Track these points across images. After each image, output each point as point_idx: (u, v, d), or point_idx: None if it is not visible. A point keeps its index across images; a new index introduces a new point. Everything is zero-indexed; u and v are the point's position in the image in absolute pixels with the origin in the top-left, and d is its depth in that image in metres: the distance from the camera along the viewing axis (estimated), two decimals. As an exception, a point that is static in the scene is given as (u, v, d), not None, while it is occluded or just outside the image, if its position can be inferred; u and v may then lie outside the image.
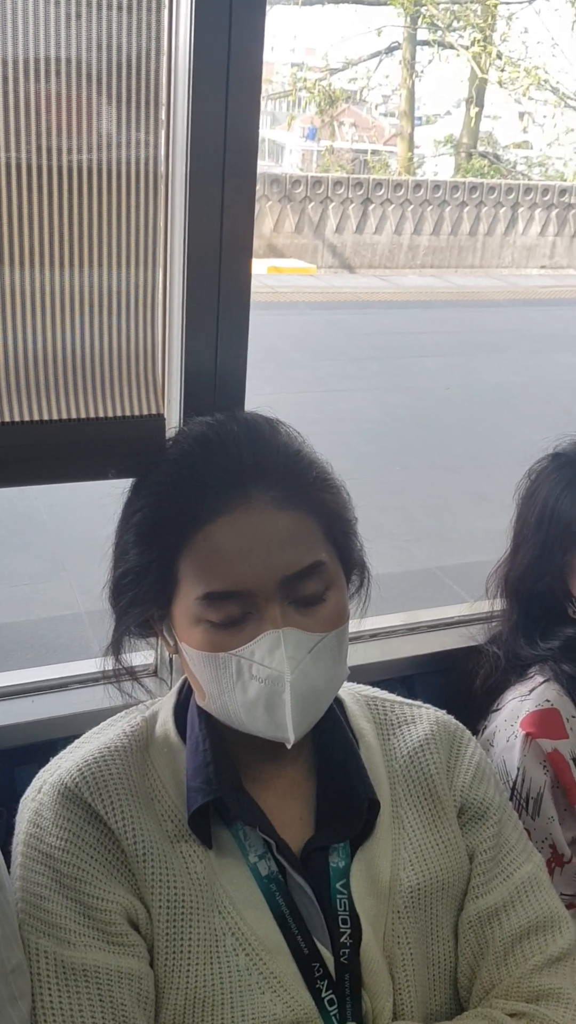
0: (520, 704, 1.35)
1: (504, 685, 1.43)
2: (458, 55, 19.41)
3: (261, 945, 0.95)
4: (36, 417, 1.14)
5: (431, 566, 4.56)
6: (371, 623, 1.65)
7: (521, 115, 23.06)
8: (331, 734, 1.07)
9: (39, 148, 1.06)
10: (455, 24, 19.12)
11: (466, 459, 6.17)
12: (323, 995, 0.95)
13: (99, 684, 1.16)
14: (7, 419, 1.13)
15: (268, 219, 13.55)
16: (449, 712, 1.19)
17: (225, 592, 0.94)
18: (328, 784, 1.05)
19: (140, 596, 1.01)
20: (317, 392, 7.44)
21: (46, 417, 1.15)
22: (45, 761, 1.06)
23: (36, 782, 1.02)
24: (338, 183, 13.89)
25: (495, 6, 18.21)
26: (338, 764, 1.05)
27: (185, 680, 1.09)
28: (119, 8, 1.05)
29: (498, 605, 1.50)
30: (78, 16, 1.03)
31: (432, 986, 1.02)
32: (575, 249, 15.57)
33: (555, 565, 1.37)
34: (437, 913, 1.03)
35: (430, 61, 20.17)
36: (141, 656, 1.35)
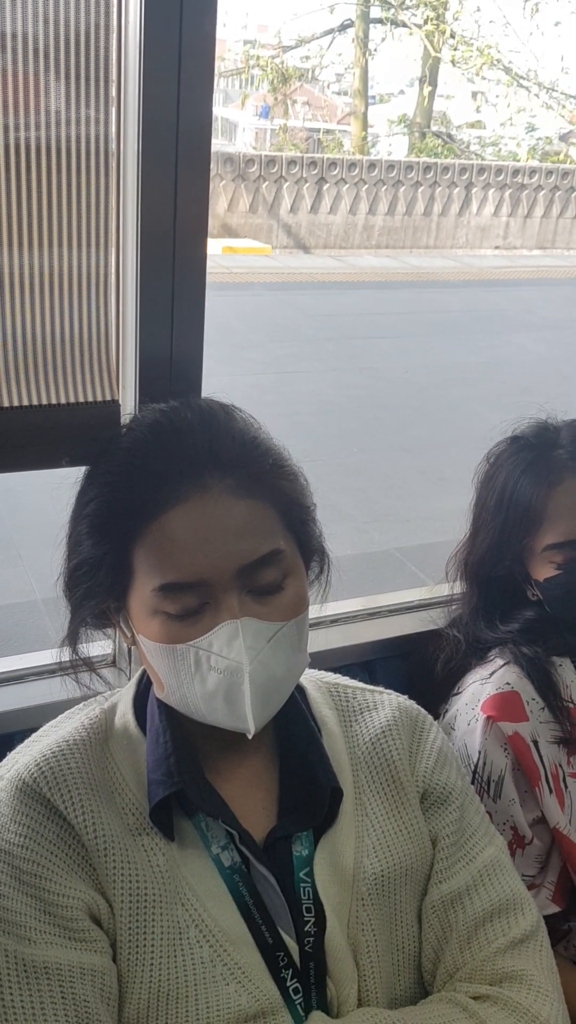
0: (481, 687, 1.36)
1: (465, 668, 1.43)
2: (411, 34, 19.37)
3: (225, 936, 0.94)
4: (-14, 404, 1.11)
5: (390, 548, 4.57)
6: (331, 608, 1.64)
7: (474, 95, 23.08)
8: (293, 723, 1.06)
9: (-16, 125, 1.03)
10: (408, 2, 19.05)
11: (424, 440, 6.19)
12: (288, 984, 0.95)
13: (56, 676, 1.14)
14: (-44, 407, 1.10)
15: (222, 199, 13.43)
16: (411, 696, 1.19)
17: (181, 583, 0.93)
18: (291, 773, 1.04)
19: (95, 588, 0.99)
20: (274, 373, 7.41)
21: (-4, 404, 1.12)
22: (1, 756, 1.04)
23: None
24: (292, 162, 13.80)
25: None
26: (300, 753, 1.04)
27: (144, 671, 1.07)
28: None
29: (458, 588, 1.51)
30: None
31: (396, 972, 1.02)
32: (528, 229, 15.67)
33: (514, 548, 1.38)
34: (401, 899, 1.03)
35: (383, 39, 20.10)
36: (98, 646, 1.33)
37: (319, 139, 22.57)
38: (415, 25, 19.14)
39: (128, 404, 1.20)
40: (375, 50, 20.20)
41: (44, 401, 1.14)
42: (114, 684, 1.16)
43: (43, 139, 1.06)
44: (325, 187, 13.97)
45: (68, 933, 0.91)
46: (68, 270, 1.11)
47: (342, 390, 7.16)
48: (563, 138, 22.45)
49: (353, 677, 1.21)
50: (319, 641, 1.57)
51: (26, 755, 1.00)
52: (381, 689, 1.18)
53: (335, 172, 13.95)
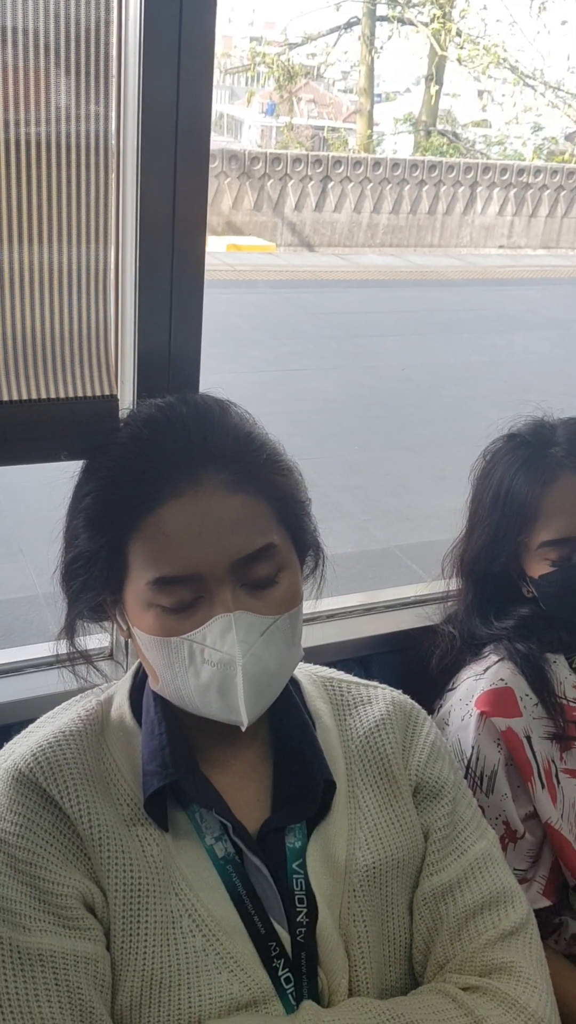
0: (475, 683, 1.37)
1: (459, 664, 1.44)
2: (417, 31, 19.34)
3: (217, 926, 0.95)
4: (-14, 398, 1.12)
5: (390, 545, 4.58)
6: (328, 604, 1.65)
7: (480, 93, 23.04)
8: (287, 716, 1.07)
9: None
10: (414, 0, 19.02)
11: (425, 438, 6.19)
12: (279, 974, 0.96)
13: (54, 668, 1.15)
14: (-44, 400, 1.11)
15: (227, 196, 13.43)
16: (406, 691, 1.19)
17: (176, 577, 0.94)
18: (284, 765, 1.05)
19: (91, 581, 1.00)
20: (277, 371, 7.41)
21: (-4, 398, 1.13)
22: (-1, 747, 1.05)
23: None
24: (297, 160, 13.79)
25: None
26: (294, 745, 1.05)
27: (141, 664, 1.08)
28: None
29: (454, 585, 1.52)
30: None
31: (387, 962, 1.03)
32: (532, 229, 15.65)
33: (509, 545, 1.38)
34: (392, 891, 1.04)
35: (389, 37, 20.16)
36: (96, 639, 1.34)
37: (324, 137, 22.54)
38: (421, 23, 19.12)
39: (126, 399, 1.21)
40: (381, 48, 20.19)
41: (43, 395, 1.15)
42: (111, 677, 1.17)
43: (43, 135, 1.06)
44: (330, 185, 13.96)
45: (62, 921, 0.92)
46: (68, 265, 1.12)
47: (344, 388, 7.16)
48: (568, 137, 22.39)
49: (349, 672, 1.22)
50: (315, 636, 1.58)
51: (23, 745, 1.01)
52: (375, 683, 1.19)
53: (340, 170, 13.94)
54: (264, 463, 1.00)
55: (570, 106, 21.05)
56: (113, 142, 1.11)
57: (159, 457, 0.97)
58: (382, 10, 19.55)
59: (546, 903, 1.30)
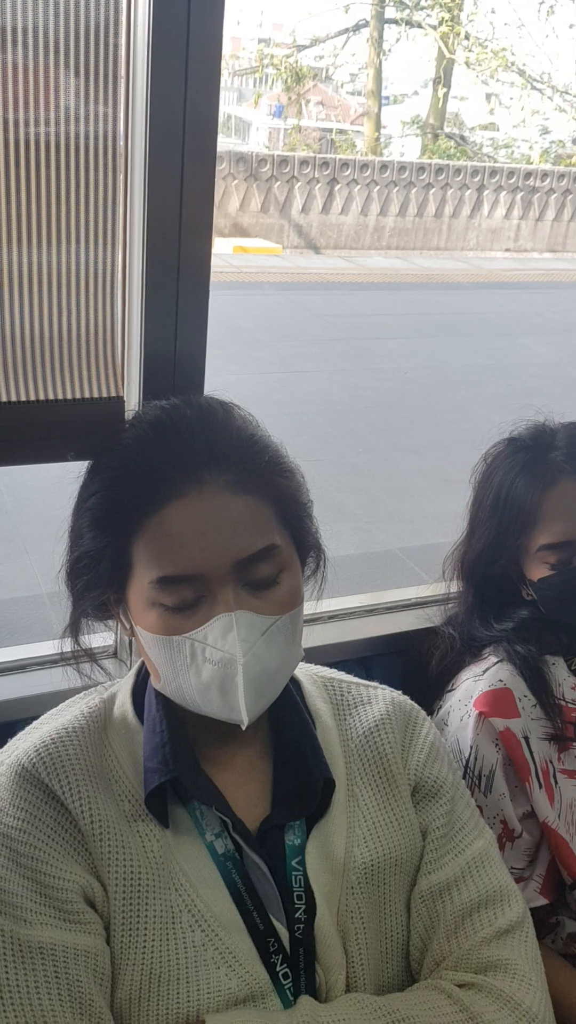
0: (474, 684, 1.38)
1: (459, 666, 1.46)
2: (425, 34, 19.35)
3: (217, 921, 0.96)
4: (-5, 398, 1.14)
5: (392, 547, 4.58)
6: (330, 605, 1.67)
7: (488, 96, 23.03)
8: (288, 715, 1.08)
9: (-4, 122, 1.04)
10: (423, 3, 19.03)
11: (430, 441, 6.19)
12: (277, 969, 0.97)
13: (58, 666, 1.16)
14: (-35, 401, 1.12)
15: (234, 198, 13.44)
16: (406, 692, 1.21)
17: (178, 576, 0.95)
18: (284, 764, 1.06)
19: (95, 580, 1.01)
20: (281, 373, 7.41)
21: (4, 399, 1.14)
22: (3, 743, 1.06)
23: None
24: (304, 162, 13.80)
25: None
26: (294, 744, 1.06)
27: (143, 662, 1.09)
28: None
29: (455, 587, 1.53)
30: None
31: (384, 959, 1.04)
32: (539, 233, 15.65)
33: (509, 548, 1.40)
34: (390, 888, 1.05)
35: (397, 40, 20.10)
36: (100, 638, 1.36)
37: (332, 139, 22.55)
38: (430, 26, 19.13)
39: (132, 400, 1.22)
40: (389, 51, 20.20)
41: (51, 396, 1.16)
42: (115, 675, 1.18)
43: (51, 135, 1.07)
44: (337, 188, 13.97)
45: (63, 915, 0.93)
46: (75, 267, 1.13)
47: (349, 390, 7.16)
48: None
49: (350, 673, 1.23)
50: (317, 636, 1.59)
51: (26, 741, 1.03)
52: (375, 684, 1.21)
53: (347, 173, 13.94)
54: (267, 465, 1.02)
55: (577, 109, 21.04)
56: (121, 143, 1.12)
57: (163, 458, 0.98)
58: (391, 13, 19.57)
59: (543, 902, 1.31)
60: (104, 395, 1.18)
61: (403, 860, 1.06)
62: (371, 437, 6.28)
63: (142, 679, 1.10)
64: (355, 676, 1.23)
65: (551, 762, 1.33)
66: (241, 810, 1.02)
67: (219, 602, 0.96)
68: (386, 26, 19.77)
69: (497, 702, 1.33)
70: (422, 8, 19.11)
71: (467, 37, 19.19)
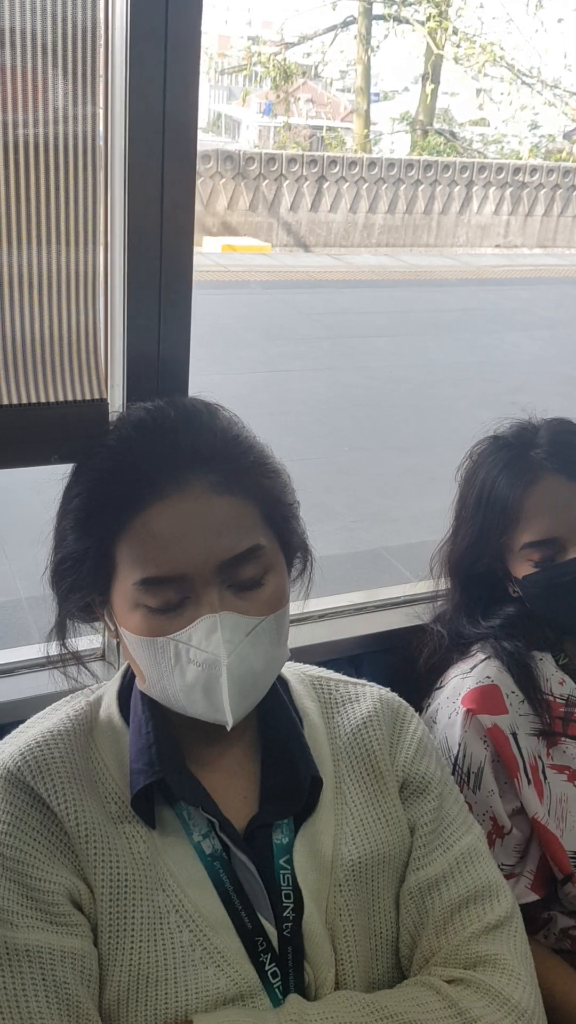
0: (462, 681, 1.38)
1: (447, 663, 1.46)
2: (414, 30, 19.32)
3: (205, 921, 0.97)
4: (-23, 402, 1.13)
5: (377, 547, 4.56)
6: (320, 604, 1.67)
7: (478, 92, 23.01)
8: (275, 714, 1.08)
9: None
10: (410, -1, 19.03)
11: (416, 439, 6.17)
12: (266, 968, 0.97)
13: (45, 669, 1.16)
14: (-53, 405, 1.12)
15: (222, 197, 13.42)
16: (395, 690, 1.21)
17: (162, 577, 0.95)
18: (272, 763, 1.07)
19: (79, 582, 1.01)
20: (267, 372, 7.38)
21: (-13, 402, 1.14)
22: (-10, 747, 1.06)
23: None
24: (292, 160, 13.78)
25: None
26: (282, 743, 1.07)
27: (129, 664, 1.09)
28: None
29: (443, 585, 1.53)
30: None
31: (374, 956, 1.05)
32: (529, 228, 15.66)
33: (493, 545, 1.40)
34: (378, 885, 1.06)
35: (386, 36, 20.05)
36: (87, 640, 1.36)
37: (321, 137, 22.52)
38: (417, 22, 19.11)
39: (116, 403, 1.22)
40: (377, 47, 20.15)
41: (34, 399, 1.16)
42: (103, 678, 1.18)
43: (30, 136, 1.06)
44: (325, 185, 13.96)
45: (49, 917, 0.93)
46: (57, 268, 1.13)
47: (335, 389, 7.13)
48: (567, 136, 22.37)
49: (339, 671, 1.24)
50: (306, 635, 1.59)
51: (12, 745, 1.03)
52: (363, 682, 1.21)
53: (335, 170, 13.93)
54: (251, 465, 1.02)
55: (567, 104, 21.05)
56: (101, 143, 1.12)
57: (147, 459, 0.98)
58: (379, 9, 19.55)
59: (534, 897, 1.31)
60: (87, 397, 1.18)
61: (391, 857, 1.07)
62: (358, 436, 6.25)
63: (128, 681, 1.10)
64: (344, 674, 1.23)
65: (540, 758, 1.33)
66: (228, 810, 1.02)
67: (203, 603, 0.96)
68: (374, 22, 19.76)
69: (485, 699, 1.34)
70: (410, 4, 19.09)
71: (455, 32, 19.17)
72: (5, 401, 1.14)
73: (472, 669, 1.39)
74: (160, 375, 1.23)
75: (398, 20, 19.44)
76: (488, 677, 1.36)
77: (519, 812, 1.32)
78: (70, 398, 1.18)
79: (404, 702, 1.20)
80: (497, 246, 15.42)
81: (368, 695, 1.17)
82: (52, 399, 1.17)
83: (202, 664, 0.95)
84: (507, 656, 1.37)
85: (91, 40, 1.06)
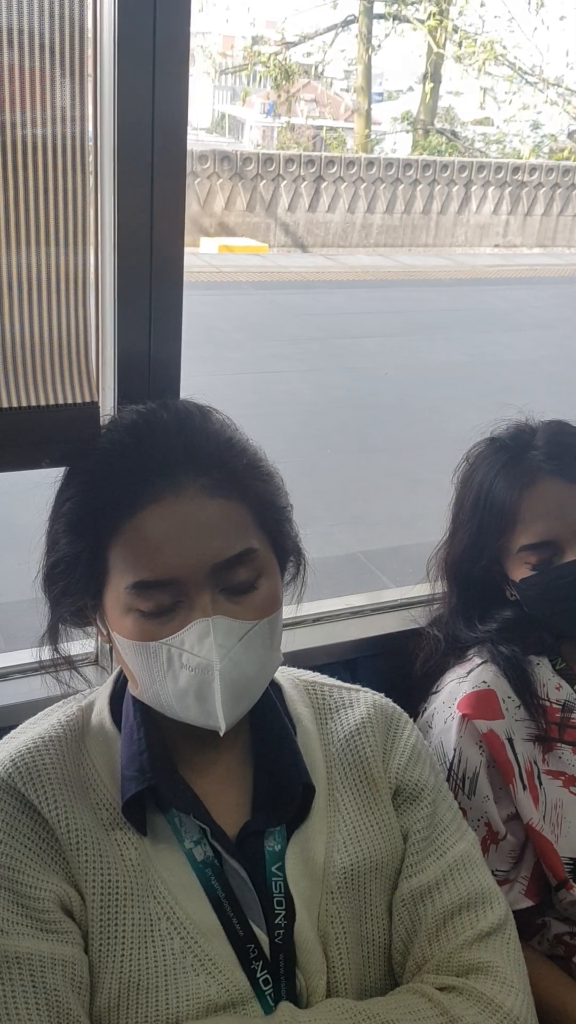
0: (458, 686, 1.37)
1: (444, 667, 1.45)
2: (415, 29, 19.31)
3: (196, 928, 0.96)
4: (-33, 406, 1.12)
5: (354, 551, 4.50)
6: (315, 607, 1.66)
7: (484, 91, 23.00)
8: (268, 720, 1.08)
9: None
10: (410, -2, 19.01)
11: (401, 441, 6.12)
12: (258, 975, 0.96)
13: (38, 674, 1.16)
14: None
15: (219, 197, 13.41)
16: (391, 694, 1.20)
17: (154, 581, 0.94)
18: (264, 769, 1.06)
19: (71, 586, 1.01)
20: (254, 373, 7.32)
21: (-23, 406, 1.13)
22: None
23: None
24: (290, 160, 13.77)
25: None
26: (274, 749, 1.06)
27: (122, 669, 1.09)
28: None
29: (440, 588, 1.52)
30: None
31: (366, 963, 1.04)
32: (528, 228, 15.65)
33: (491, 548, 1.39)
34: (371, 892, 1.05)
35: (387, 35, 20.04)
36: (80, 645, 1.35)
37: (323, 137, 22.52)
38: (418, 20, 19.09)
39: (107, 406, 1.21)
40: (379, 46, 20.14)
41: (24, 403, 1.15)
42: (96, 682, 1.18)
43: (19, 137, 1.05)
44: (323, 185, 13.96)
45: (40, 924, 0.93)
46: (47, 270, 1.11)
47: (322, 390, 7.08)
48: (571, 135, 22.29)
49: (335, 675, 1.23)
50: (302, 639, 1.59)
51: (2, 751, 1.02)
52: (357, 687, 1.20)
53: (333, 170, 13.93)
54: (244, 468, 1.01)
55: (569, 103, 21.02)
56: (90, 144, 1.11)
57: (139, 462, 0.98)
58: (379, 8, 19.54)
59: (528, 903, 1.31)
60: (78, 400, 1.17)
61: (384, 864, 1.06)
62: (340, 437, 6.18)
63: (120, 686, 1.10)
64: (340, 679, 1.22)
65: (535, 763, 1.32)
66: (220, 816, 1.01)
67: (196, 607, 0.95)
68: (375, 21, 19.75)
69: (481, 704, 1.33)
70: (410, 3, 19.07)
71: (455, 30, 19.15)
72: (-4, 404, 1.14)
73: (468, 674, 1.38)
74: (151, 377, 1.22)
75: (398, 19, 19.43)
76: (484, 682, 1.35)
77: (514, 818, 1.31)
78: (61, 401, 1.17)
79: (398, 708, 1.19)
80: (496, 246, 15.42)
81: (362, 701, 1.16)
82: (43, 402, 1.16)
83: (195, 669, 0.94)
84: (504, 661, 1.36)
85: (80, 40, 1.05)
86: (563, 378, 7.76)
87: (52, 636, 1.08)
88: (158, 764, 1.00)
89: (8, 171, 1.06)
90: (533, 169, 15.40)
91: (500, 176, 15.06)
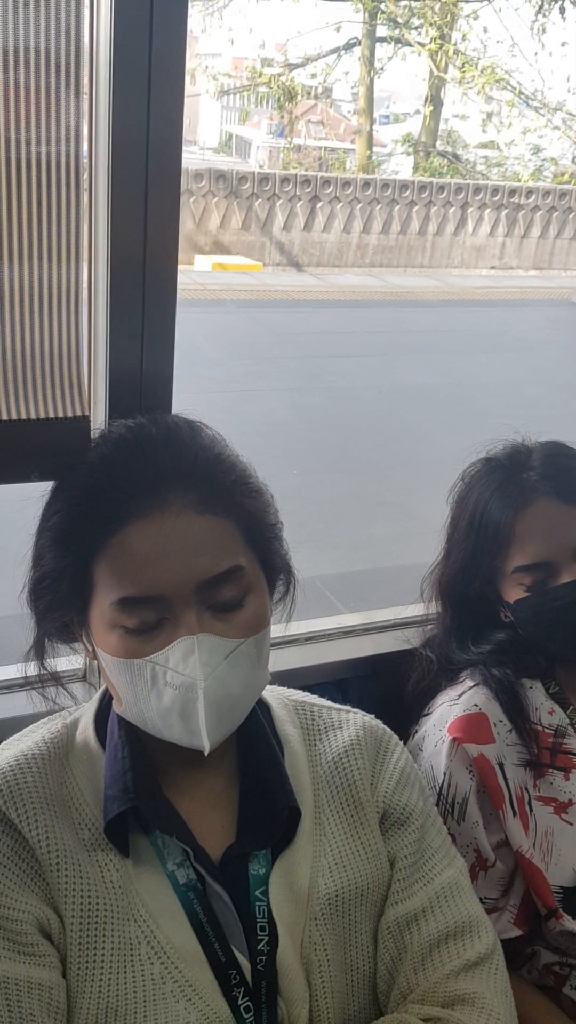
0: (449, 709, 1.36)
1: (436, 689, 1.43)
2: (418, 53, 19.48)
3: (177, 953, 0.94)
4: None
5: (311, 575, 4.35)
6: (305, 626, 1.64)
7: (489, 115, 23.16)
8: (254, 740, 1.06)
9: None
10: (413, 22, 19.18)
11: (370, 462, 6.01)
12: (239, 1002, 0.94)
13: (24, 690, 1.14)
14: None
15: (215, 216, 13.46)
16: (383, 716, 1.19)
17: (139, 597, 0.93)
18: (250, 791, 1.04)
19: (57, 601, 0.99)
20: (228, 392, 7.23)
21: (-33, 418, 1.12)
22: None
23: None
24: (286, 180, 13.84)
25: (454, 3, 18.27)
26: (260, 771, 1.04)
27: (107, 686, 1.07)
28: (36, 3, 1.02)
29: (433, 608, 1.51)
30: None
31: (350, 992, 1.02)
32: (524, 250, 15.73)
33: (485, 569, 1.38)
34: (356, 919, 1.03)
35: (390, 58, 20.22)
36: (67, 661, 1.33)
37: (322, 157, 22.67)
38: (419, 44, 19.26)
39: (98, 420, 1.20)
40: (382, 69, 20.31)
41: (15, 416, 1.14)
42: (82, 699, 1.16)
43: (13, 153, 1.05)
44: (319, 205, 14.02)
45: (17, 947, 0.91)
46: (40, 285, 1.11)
47: (295, 410, 6.98)
48: (575, 160, 22.39)
49: (326, 695, 1.21)
50: (292, 659, 1.57)
51: (-15, 768, 1.00)
52: (348, 708, 1.18)
53: (329, 190, 13.99)
54: (232, 485, 1.00)
55: (571, 127, 21.16)
56: (85, 161, 1.11)
57: (127, 477, 0.97)
58: (382, 31, 19.72)
59: (517, 932, 1.28)
60: (69, 414, 1.16)
61: (370, 890, 1.04)
62: (310, 458, 6.05)
63: (106, 704, 1.08)
64: (331, 699, 1.21)
65: (526, 789, 1.30)
66: (204, 839, 0.99)
67: (181, 625, 0.94)
68: (378, 44, 19.92)
69: (472, 727, 1.31)
70: (413, 27, 19.25)
71: (456, 54, 19.31)
72: (-14, 417, 1.12)
73: (460, 696, 1.36)
74: (143, 392, 1.21)
75: (400, 43, 19.61)
76: (476, 705, 1.33)
77: (503, 844, 1.29)
78: (52, 415, 1.16)
79: (388, 730, 1.17)
80: (492, 268, 15.49)
81: (352, 722, 1.15)
82: (34, 415, 1.15)
83: (179, 687, 0.93)
84: (496, 684, 1.35)
85: (76, 58, 1.05)
86: (544, 402, 7.68)
87: (38, 651, 1.07)
88: (142, 784, 0.98)
89: (2, 187, 1.06)
90: (530, 192, 15.49)
91: (497, 198, 15.14)
